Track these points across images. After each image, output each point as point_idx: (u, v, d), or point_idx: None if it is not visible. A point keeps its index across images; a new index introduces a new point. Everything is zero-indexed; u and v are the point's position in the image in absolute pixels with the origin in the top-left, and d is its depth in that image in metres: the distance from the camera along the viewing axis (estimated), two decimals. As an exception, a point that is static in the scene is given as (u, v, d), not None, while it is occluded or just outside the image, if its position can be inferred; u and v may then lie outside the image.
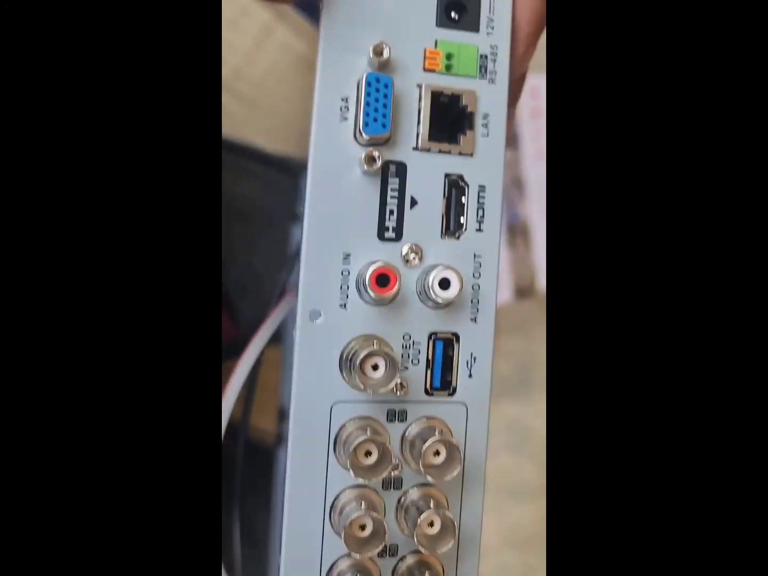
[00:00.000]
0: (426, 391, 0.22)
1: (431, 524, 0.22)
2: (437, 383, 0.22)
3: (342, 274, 0.22)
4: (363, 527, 0.21)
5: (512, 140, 0.66)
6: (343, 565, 0.22)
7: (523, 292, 0.68)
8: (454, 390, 0.22)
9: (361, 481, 0.21)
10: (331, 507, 0.22)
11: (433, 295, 0.21)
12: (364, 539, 0.21)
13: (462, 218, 0.23)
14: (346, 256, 0.22)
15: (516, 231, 0.67)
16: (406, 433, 0.22)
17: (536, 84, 0.66)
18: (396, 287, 0.21)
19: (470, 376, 0.23)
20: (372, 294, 0.21)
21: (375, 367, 0.21)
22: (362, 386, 0.21)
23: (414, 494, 0.22)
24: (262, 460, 0.37)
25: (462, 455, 0.21)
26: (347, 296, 0.22)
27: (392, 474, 0.22)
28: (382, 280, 0.21)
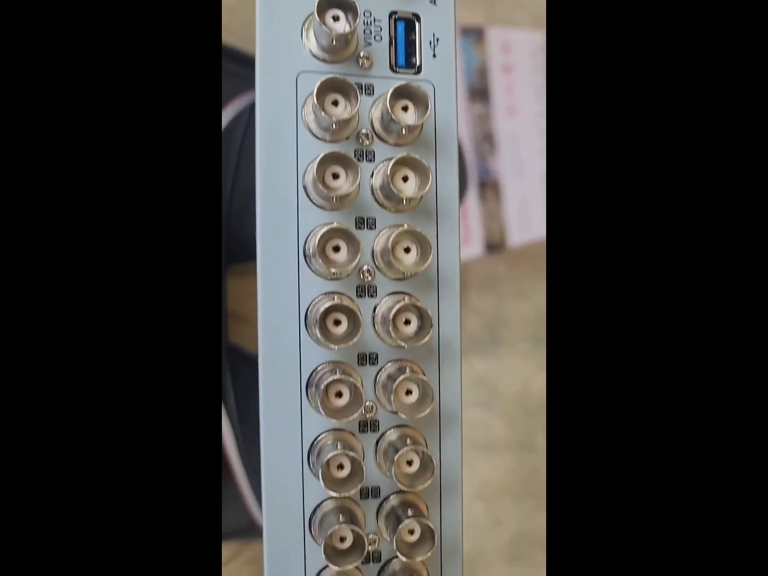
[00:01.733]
0: (391, 68, 0.22)
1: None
2: (402, 62, 0.22)
3: None
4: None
5: (482, 95, 0.68)
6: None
7: (493, 246, 0.68)
8: (419, 69, 0.23)
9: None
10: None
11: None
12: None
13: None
14: None
15: (486, 186, 0.68)
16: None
17: (507, 39, 0.67)
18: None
19: (434, 56, 0.23)
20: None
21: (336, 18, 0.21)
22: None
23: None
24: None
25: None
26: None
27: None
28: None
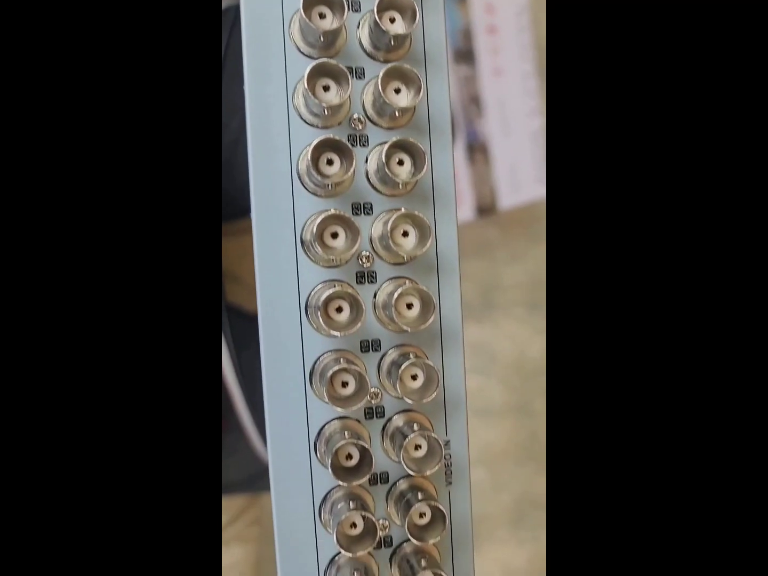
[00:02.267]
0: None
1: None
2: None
3: None
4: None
5: (467, 57, 0.67)
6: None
7: (483, 210, 0.68)
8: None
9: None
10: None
11: None
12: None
13: None
14: None
15: (475, 149, 0.67)
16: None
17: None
18: None
19: None
20: None
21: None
22: None
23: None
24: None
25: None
26: None
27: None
28: None
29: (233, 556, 0.48)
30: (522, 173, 0.69)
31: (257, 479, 0.43)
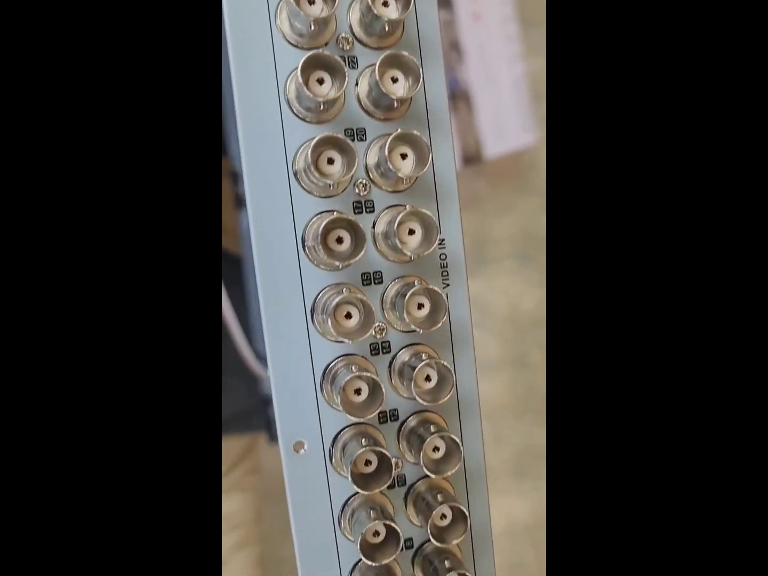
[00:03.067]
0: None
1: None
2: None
3: None
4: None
5: (444, 2, 0.65)
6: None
7: (469, 159, 0.66)
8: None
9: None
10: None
11: None
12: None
13: None
14: None
15: (457, 97, 0.66)
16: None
17: (462, -58, 0.64)
18: None
19: None
20: None
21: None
22: None
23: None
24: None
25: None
26: None
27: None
28: None
29: (231, 506, 0.47)
30: (506, 121, 0.67)
31: (252, 416, 0.42)
